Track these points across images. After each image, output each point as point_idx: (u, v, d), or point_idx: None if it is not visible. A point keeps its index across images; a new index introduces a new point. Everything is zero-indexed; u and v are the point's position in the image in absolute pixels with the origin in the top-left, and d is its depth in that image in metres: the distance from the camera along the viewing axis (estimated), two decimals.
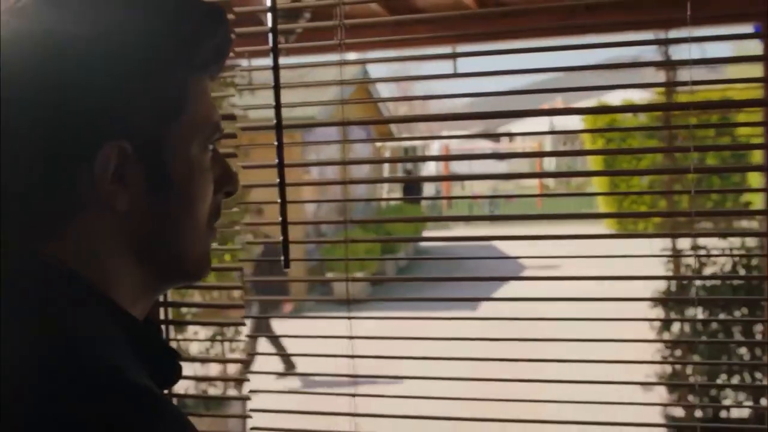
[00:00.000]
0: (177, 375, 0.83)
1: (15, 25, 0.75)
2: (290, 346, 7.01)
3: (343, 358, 2.10)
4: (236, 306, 2.27)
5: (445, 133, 25.47)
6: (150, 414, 0.66)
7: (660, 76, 6.64)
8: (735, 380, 4.78)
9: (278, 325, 7.63)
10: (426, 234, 17.40)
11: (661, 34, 4.61)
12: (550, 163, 28.23)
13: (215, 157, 0.85)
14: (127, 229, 0.78)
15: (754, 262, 4.90)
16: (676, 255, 4.86)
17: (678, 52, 4.91)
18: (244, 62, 2.16)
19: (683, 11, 1.86)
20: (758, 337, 4.72)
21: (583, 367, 2.28)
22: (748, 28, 3.87)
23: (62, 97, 0.73)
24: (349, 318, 2.06)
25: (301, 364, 6.97)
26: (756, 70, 3.75)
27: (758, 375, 4.63)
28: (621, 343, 2.33)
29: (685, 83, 1.90)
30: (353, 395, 2.07)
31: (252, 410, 2.04)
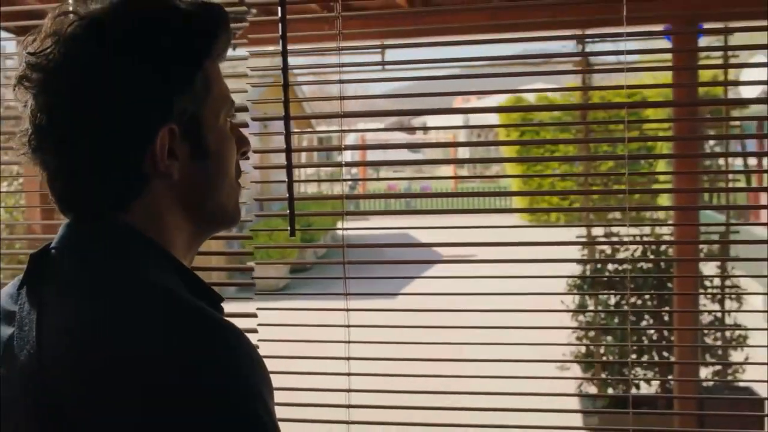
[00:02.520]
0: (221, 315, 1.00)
1: (76, 50, 0.93)
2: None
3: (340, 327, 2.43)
4: (246, 268, 2.52)
5: (361, 125, 25.65)
6: (237, 336, 0.88)
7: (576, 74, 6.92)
8: (644, 359, 5.10)
9: None
10: (340, 224, 17.56)
11: (579, 33, 4.88)
12: (464, 155, 28.67)
13: (231, 125, 1.07)
14: (180, 194, 0.99)
15: (662, 248, 5.25)
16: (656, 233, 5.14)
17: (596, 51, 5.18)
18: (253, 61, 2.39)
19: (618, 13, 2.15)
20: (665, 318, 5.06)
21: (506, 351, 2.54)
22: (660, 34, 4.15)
23: (128, 98, 0.93)
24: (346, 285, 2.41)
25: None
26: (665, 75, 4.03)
27: (665, 354, 4.95)
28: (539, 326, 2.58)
29: (620, 87, 2.15)
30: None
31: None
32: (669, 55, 3.62)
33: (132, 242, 0.96)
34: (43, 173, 0.97)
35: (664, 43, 3.94)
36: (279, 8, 2.05)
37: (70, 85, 0.93)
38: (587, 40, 4.78)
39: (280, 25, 2.03)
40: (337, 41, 2.16)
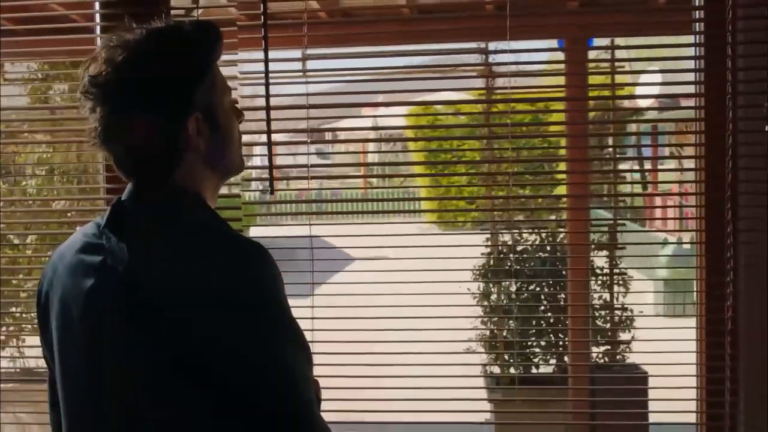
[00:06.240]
0: None
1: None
2: None
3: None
4: (234, 219, 2.89)
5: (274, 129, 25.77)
6: (262, 249, 1.35)
7: (480, 81, 7.35)
8: (543, 342, 5.58)
9: None
10: (253, 228, 17.76)
11: (482, 44, 5.33)
12: (373, 159, 28.92)
13: (230, 104, 1.51)
14: (206, 157, 1.45)
15: (559, 238, 5.75)
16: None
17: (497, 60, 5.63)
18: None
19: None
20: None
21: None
22: (554, 43, 4.63)
23: (164, 101, 1.39)
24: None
25: None
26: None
27: (561, 335, 5.43)
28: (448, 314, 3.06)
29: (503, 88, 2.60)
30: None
31: None
32: (561, 66, 4.08)
33: (180, 194, 1.41)
34: (111, 156, 1.42)
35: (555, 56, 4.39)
36: (262, 29, 2.60)
37: (125, 96, 1.37)
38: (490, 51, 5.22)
39: (263, 41, 2.60)
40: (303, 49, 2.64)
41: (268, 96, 2.60)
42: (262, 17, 2.55)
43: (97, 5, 2.58)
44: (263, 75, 2.62)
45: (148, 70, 1.37)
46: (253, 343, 1.29)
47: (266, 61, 2.59)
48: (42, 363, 1.58)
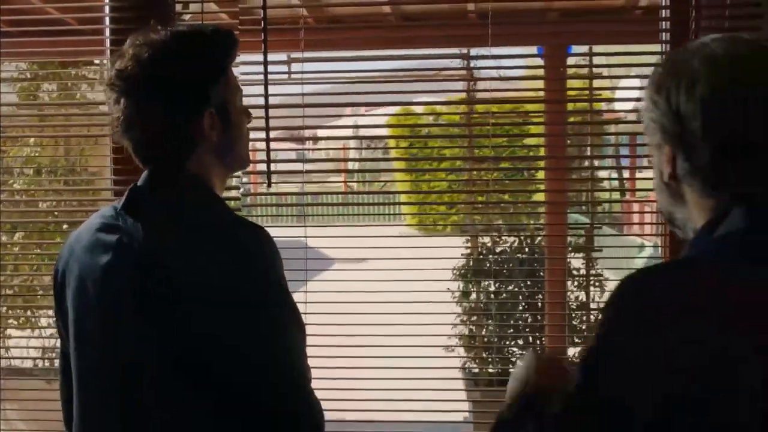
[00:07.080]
0: None
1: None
2: None
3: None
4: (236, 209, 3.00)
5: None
6: (262, 240, 1.47)
7: (461, 86, 7.46)
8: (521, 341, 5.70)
9: None
10: None
11: (464, 50, 5.45)
12: (353, 164, 28.96)
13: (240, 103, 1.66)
14: (217, 150, 1.58)
15: (536, 240, 5.87)
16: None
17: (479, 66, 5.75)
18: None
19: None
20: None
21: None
22: (533, 49, 4.75)
23: (183, 95, 1.52)
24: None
25: None
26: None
27: (538, 335, 5.55)
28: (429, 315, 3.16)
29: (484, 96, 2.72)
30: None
31: None
32: (540, 72, 4.19)
33: (191, 181, 1.53)
34: (130, 144, 1.55)
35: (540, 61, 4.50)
36: (262, 34, 2.75)
37: (148, 90, 1.50)
38: (472, 57, 5.35)
39: (263, 45, 2.75)
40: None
41: (267, 96, 2.73)
42: (263, 22, 2.68)
43: (107, 9, 2.67)
44: (259, 76, 2.73)
45: (171, 68, 1.50)
46: (253, 342, 1.37)
47: (265, 63, 2.71)
48: (29, 356, 1.66)
